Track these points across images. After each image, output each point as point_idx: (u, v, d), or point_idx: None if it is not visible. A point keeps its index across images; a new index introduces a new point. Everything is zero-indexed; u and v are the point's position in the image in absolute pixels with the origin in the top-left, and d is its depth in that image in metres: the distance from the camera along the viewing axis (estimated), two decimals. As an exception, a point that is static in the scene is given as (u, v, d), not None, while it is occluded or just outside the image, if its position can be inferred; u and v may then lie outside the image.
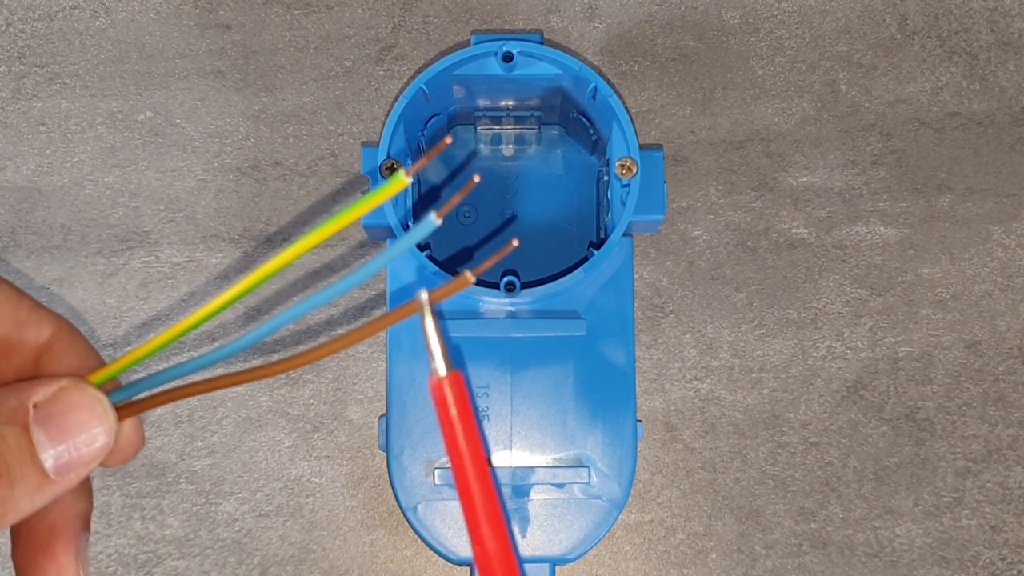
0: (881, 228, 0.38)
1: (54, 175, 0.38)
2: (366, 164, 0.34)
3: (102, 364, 0.21)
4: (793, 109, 0.39)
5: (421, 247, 0.35)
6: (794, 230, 0.38)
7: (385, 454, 0.35)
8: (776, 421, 0.37)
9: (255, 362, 0.37)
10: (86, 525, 0.21)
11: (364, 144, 0.38)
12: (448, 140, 0.18)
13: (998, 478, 0.37)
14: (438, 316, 0.17)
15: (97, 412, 0.19)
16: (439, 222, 0.17)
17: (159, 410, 0.37)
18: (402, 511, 0.34)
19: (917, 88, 0.39)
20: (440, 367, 0.17)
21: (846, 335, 0.37)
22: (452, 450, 0.17)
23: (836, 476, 0.37)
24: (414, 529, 0.34)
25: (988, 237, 0.38)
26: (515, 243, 0.18)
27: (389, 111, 0.34)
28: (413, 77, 0.38)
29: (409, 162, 0.34)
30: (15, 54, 0.39)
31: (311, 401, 0.37)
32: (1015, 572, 0.36)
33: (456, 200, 0.17)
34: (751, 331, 0.37)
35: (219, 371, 0.19)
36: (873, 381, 0.37)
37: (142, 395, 0.19)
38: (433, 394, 0.17)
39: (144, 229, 0.38)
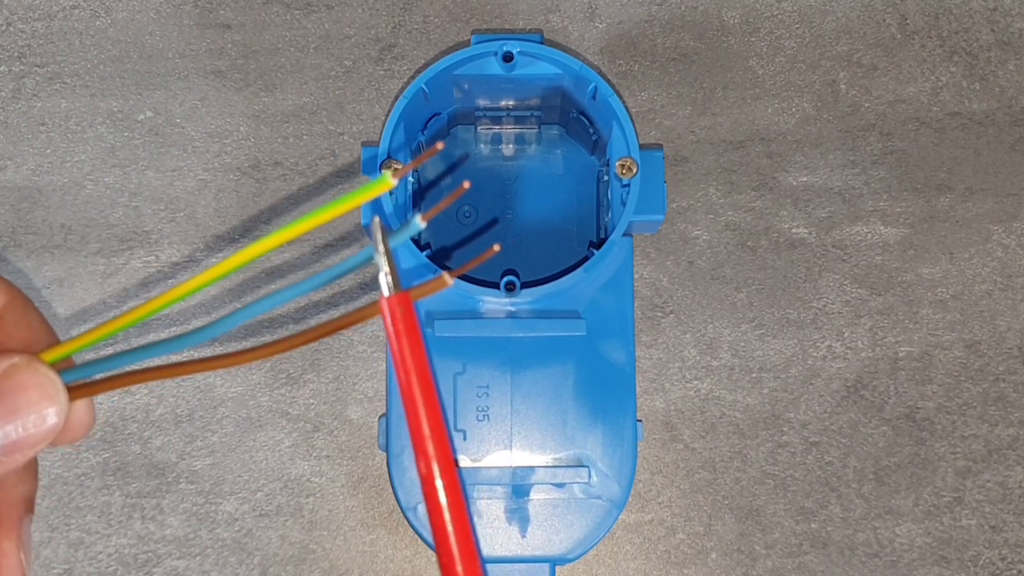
0: (881, 228, 0.38)
1: (54, 175, 0.38)
2: (366, 164, 0.34)
3: (55, 338, 0.20)
4: (793, 109, 0.39)
5: (421, 246, 0.35)
6: (794, 230, 0.38)
7: (385, 454, 0.35)
8: (776, 421, 0.37)
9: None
10: (30, 507, 0.20)
11: (364, 144, 0.38)
12: (439, 146, 0.18)
13: (998, 478, 0.37)
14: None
15: (49, 392, 0.18)
16: (423, 225, 0.17)
17: (159, 409, 0.37)
18: (402, 511, 0.34)
19: (917, 88, 0.39)
20: (387, 286, 0.17)
21: (846, 335, 0.37)
22: (400, 373, 0.17)
23: (836, 476, 0.37)
24: (414, 529, 0.34)
25: (988, 237, 0.38)
26: (496, 248, 0.19)
27: (389, 111, 0.34)
28: (413, 77, 0.38)
29: (408, 161, 0.34)
30: (15, 54, 0.39)
31: (311, 401, 0.37)
32: (1015, 572, 0.36)
33: (443, 205, 0.18)
34: (751, 331, 0.37)
35: (179, 357, 0.19)
36: (873, 381, 0.37)
37: (97, 376, 0.19)
38: (381, 315, 0.17)
39: (144, 229, 0.38)
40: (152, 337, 0.37)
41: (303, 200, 0.38)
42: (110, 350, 0.30)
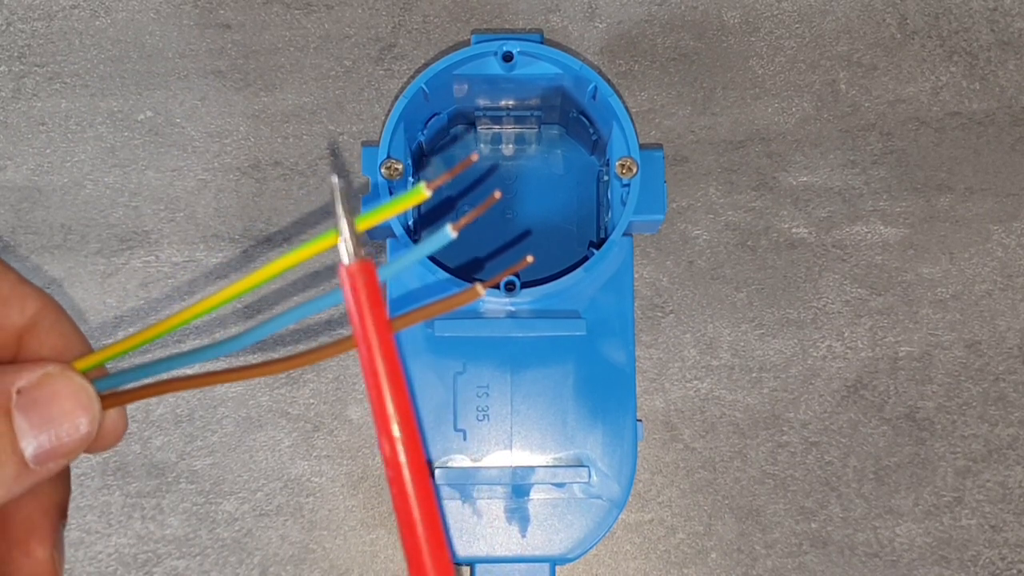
0: (881, 228, 0.38)
1: (54, 175, 0.38)
2: (366, 164, 0.34)
3: (87, 346, 0.20)
4: (793, 109, 0.39)
5: (414, 240, 0.35)
6: (794, 230, 0.38)
7: (385, 454, 0.35)
8: (776, 421, 0.37)
9: (253, 359, 0.37)
10: (63, 513, 0.20)
11: (364, 144, 0.38)
12: (474, 157, 0.18)
13: (998, 478, 0.37)
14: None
15: (82, 401, 0.18)
16: (455, 235, 0.16)
17: (159, 409, 0.37)
18: (402, 511, 0.34)
19: (917, 88, 0.39)
20: (347, 253, 0.16)
21: (846, 335, 0.37)
22: (362, 348, 0.16)
23: (836, 476, 0.37)
24: (414, 529, 0.34)
25: (988, 237, 0.38)
26: (529, 259, 0.18)
27: (389, 111, 0.34)
28: (413, 77, 0.38)
29: (409, 162, 0.34)
30: (15, 54, 0.39)
31: (311, 401, 0.37)
32: (1015, 572, 0.36)
33: (475, 214, 0.17)
34: (751, 331, 0.37)
35: (209, 367, 0.19)
36: (873, 381, 0.37)
37: (129, 385, 0.19)
38: (340, 284, 0.16)
39: (144, 229, 0.38)
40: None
41: (303, 200, 0.38)
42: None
